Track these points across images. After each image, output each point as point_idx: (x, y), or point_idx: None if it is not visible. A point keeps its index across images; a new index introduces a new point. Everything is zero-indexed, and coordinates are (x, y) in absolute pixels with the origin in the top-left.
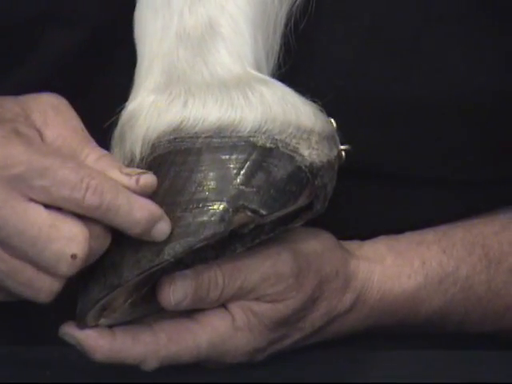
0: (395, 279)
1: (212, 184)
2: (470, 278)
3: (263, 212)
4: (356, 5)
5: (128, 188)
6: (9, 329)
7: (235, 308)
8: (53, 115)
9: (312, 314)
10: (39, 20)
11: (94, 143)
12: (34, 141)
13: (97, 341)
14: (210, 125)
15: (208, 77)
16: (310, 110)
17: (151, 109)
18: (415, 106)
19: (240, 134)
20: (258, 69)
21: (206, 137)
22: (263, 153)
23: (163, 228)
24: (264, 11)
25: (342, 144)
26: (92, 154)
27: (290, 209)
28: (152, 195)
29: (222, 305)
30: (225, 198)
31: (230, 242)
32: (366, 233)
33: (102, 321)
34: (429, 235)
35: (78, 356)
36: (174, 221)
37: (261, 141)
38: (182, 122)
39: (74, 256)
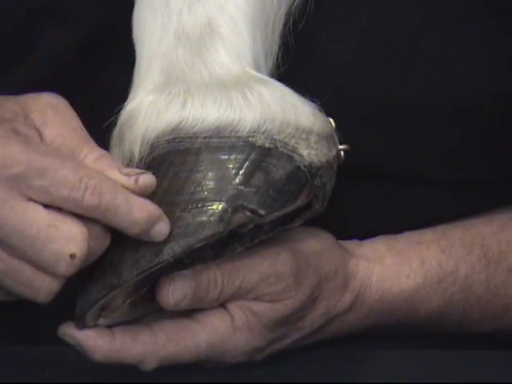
0: (394, 279)
1: (211, 184)
2: (468, 277)
3: (262, 212)
4: (355, 5)
5: (127, 188)
6: (9, 329)
7: (234, 308)
8: (52, 115)
9: (311, 314)
10: (38, 19)
11: (93, 143)
12: (33, 140)
13: (96, 341)
14: (209, 125)
15: (207, 77)
16: (309, 109)
17: (150, 109)
18: (414, 106)
19: (239, 134)
20: (257, 68)
21: (204, 137)
22: (262, 153)
23: (162, 228)
24: (263, 11)
25: (340, 144)
26: (91, 153)
27: (289, 209)
28: (151, 195)
29: (221, 305)
30: (224, 198)
31: (229, 242)
32: (365, 232)
33: (101, 321)
34: (428, 235)
35: (77, 356)
36: (173, 221)
37: (260, 141)
38: (180, 122)
39: (72, 256)
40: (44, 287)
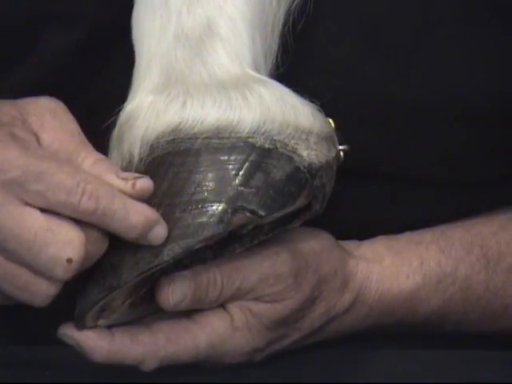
0: (394, 279)
1: (211, 185)
2: (468, 277)
3: (262, 213)
4: (354, 5)
5: (124, 192)
6: (9, 329)
7: (234, 308)
8: (50, 119)
9: (311, 314)
10: (37, 20)
11: (90, 147)
12: (30, 145)
13: (95, 341)
14: (209, 126)
15: (206, 77)
16: (309, 110)
17: (150, 110)
18: (414, 107)
19: (239, 135)
20: (257, 69)
21: (204, 138)
22: (262, 153)
23: (160, 232)
24: (262, 11)
25: (340, 144)
26: (89, 158)
27: (289, 209)
28: (151, 196)
29: (221, 305)
30: (224, 199)
31: (229, 243)
32: (365, 233)
33: (101, 321)
34: (427, 235)
35: (77, 356)
36: (173, 222)
37: (259, 141)
38: (180, 123)
39: (69, 260)
40: (41, 291)
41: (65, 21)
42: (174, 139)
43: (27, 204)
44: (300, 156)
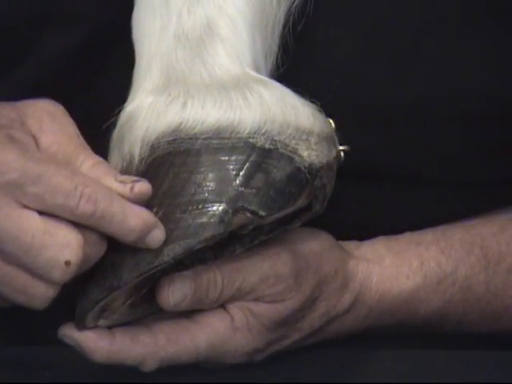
0: (394, 280)
1: (211, 185)
2: (468, 278)
3: (262, 213)
4: (355, 6)
5: (122, 196)
6: (9, 329)
7: (234, 309)
8: (49, 122)
9: (311, 315)
10: (37, 21)
11: (89, 150)
12: (28, 147)
13: (96, 342)
14: (209, 126)
15: (207, 78)
16: (309, 110)
17: (150, 110)
18: (414, 107)
19: (239, 135)
20: (257, 69)
21: (205, 138)
22: (262, 154)
23: (157, 236)
24: (262, 12)
25: (340, 145)
26: (87, 160)
27: (290, 210)
28: (151, 197)
29: (221, 305)
30: (224, 200)
31: (229, 243)
32: (365, 233)
33: (101, 322)
34: (427, 236)
35: (77, 356)
36: (174, 222)
37: (260, 142)
38: (181, 124)
39: (67, 263)
40: (39, 294)
41: (65, 21)
42: (174, 139)
43: (25, 206)
44: (300, 156)
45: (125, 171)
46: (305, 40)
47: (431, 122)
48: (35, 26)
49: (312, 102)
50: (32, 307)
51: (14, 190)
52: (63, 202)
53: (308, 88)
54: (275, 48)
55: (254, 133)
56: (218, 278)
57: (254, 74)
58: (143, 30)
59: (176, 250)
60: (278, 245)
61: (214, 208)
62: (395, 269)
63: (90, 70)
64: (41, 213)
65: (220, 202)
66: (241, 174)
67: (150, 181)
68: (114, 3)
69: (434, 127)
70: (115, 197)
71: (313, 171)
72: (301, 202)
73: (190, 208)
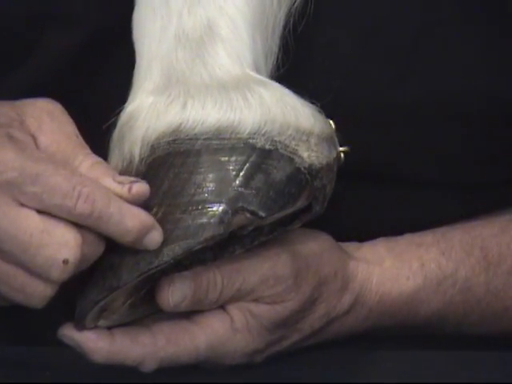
0: (394, 281)
1: (211, 186)
2: (468, 279)
3: (262, 214)
4: (355, 6)
5: (120, 196)
6: (9, 329)
7: (234, 309)
8: (48, 121)
9: (311, 316)
10: (37, 21)
11: (88, 150)
12: (27, 146)
13: (95, 342)
14: (209, 126)
15: (207, 78)
16: (309, 111)
17: (150, 110)
18: (414, 108)
19: (239, 136)
20: (257, 70)
21: (205, 138)
22: (262, 154)
23: (155, 237)
24: (263, 12)
25: (341, 146)
26: (86, 160)
27: (289, 210)
28: (151, 197)
29: (221, 306)
30: (224, 200)
31: (229, 244)
32: (365, 234)
33: (101, 322)
34: (428, 237)
35: (77, 356)
36: (174, 222)
37: (260, 142)
38: (181, 124)
39: (65, 261)
40: (37, 293)
41: (65, 22)
42: (174, 140)
43: (23, 205)
44: (300, 157)
45: (125, 171)
46: (305, 41)
47: (431, 122)
48: (35, 27)
49: (312, 102)
50: (30, 306)
51: (12, 189)
52: (61, 202)
53: (308, 89)
54: (275, 49)
55: (254, 133)
56: (217, 279)
57: (254, 74)
58: (143, 31)
59: (176, 250)
60: (277, 246)
61: (214, 208)
62: (395, 270)
63: (90, 70)
64: (39, 212)
65: (220, 202)
66: (241, 174)
67: (150, 181)
68: (114, 4)
69: (433, 128)
70: (113, 197)
71: (313, 172)
72: (301, 203)
73: (190, 208)
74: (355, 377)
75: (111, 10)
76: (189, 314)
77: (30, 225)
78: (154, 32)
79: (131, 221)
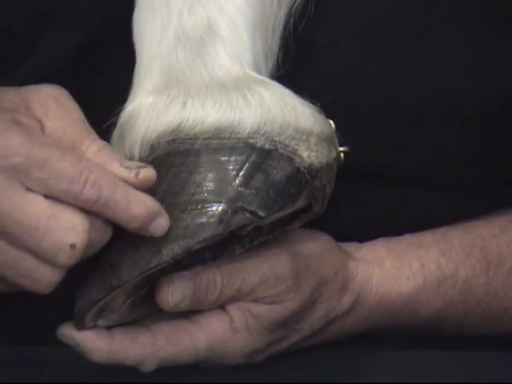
0: (394, 281)
1: (211, 185)
2: (468, 280)
3: (262, 214)
4: (355, 7)
5: (127, 181)
6: (9, 329)
7: (233, 309)
8: (54, 107)
9: (310, 316)
10: (37, 21)
11: (94, 135)
12: (33, 131)
13: (95, 342)
14: (209, 126)
15: (207, 78)
16: (309, 111)
17: (150, 110)
18: (414, 108)
19: (239, 136)
20: (257, 70)
21: (204, 138)
22: (262, 154)
23: (161, 224)
24: (263, 13)
25: (340, 146)
26: (92, 145)
27: (289, 210)
28: (151, 196)
29: (221, 306)
30: (223, 200)
31: (229, 244)
32: (365, 235)
33: (101, 322)
34: (427, 237)
35: (77, 356)
36: (173, 222)
37: (260, 142)
38: (180, 123)
39: (73, 246)
40: (44, 278)
41: (66, 21)
42: (174, 139)
43: (30, 190)
44: (300, 157)
45: None
46: (305, 41)
47: (431, 123)
48: (35, 26)
49: (312, 102)
50: (37, 292)
51: (18, 174)
52: (67, 187)
53: (308, 89)
54: (276, 49)
55: (254, 133)
56: (217, 279)
57: (254, 74)
58: (144, 31)
59: (175, 249)
60: (277, 246)
61: (214, 208)
62: (395, 271)
63: (90, 70)
64: (46, 197)
65: (219, 202)
66: (240, 174)
67: None
68: (115, 3)
69: (434, 128)
70: (119, 183)
71: (312, 172)
72: (300, 203)
73: (190, 208)
74: (355, 377)
75: (111, 9)
76: (188, 313)
77: (36, 210)
78: (154, 32)
79: (137, 207)
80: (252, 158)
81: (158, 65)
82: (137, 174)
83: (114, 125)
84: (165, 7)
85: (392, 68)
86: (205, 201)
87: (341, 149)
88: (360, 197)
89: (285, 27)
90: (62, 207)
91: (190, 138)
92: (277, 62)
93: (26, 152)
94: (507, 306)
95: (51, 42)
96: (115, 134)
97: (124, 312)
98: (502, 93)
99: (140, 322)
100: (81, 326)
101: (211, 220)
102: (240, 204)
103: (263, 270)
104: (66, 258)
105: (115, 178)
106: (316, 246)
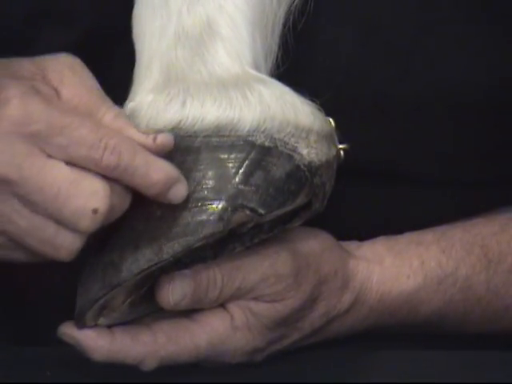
0: (394, 280)
1: (211, 183)
2: (469, 278)
3: (262, 211)
4: (355, 4)
5: (145, 146)
6: (9, 329)
7: (234, 308)
8: (69, 75)
9: (311, 314)
10: (36, 18)
11: (110, 102)
12: (52, 99)
13: (96, 341)
14: (209, 124)
15: (206, 76)
16: (309, 109)
17: (150, 108)
18: (414, 106)
19: (239, 133)
20: (257, 68)
21: (204, 136)
22: (262, 152)
23: (180, 190)
24: (262, 11)
25: (340, 143)
26: (109, 112)
27: (289, 208)
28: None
29: (221, 305)
30: (223, 197)
31: (229, 242)
32: (365, 232)
33: (101, 320)
34: (428, 235)
35: (78, 356)
36: (173, 220)
37: (259, 140)
38: (180, 121)
39: (95, 211)
40: (66, 244)
41: (64, 20)
42: (174, 137)
43: (51, 157)
44: (300, 154)
45: None
46: (305, 39)
47: (431, 120)
48: (34, 24)
49: (312, 100)
50: (58, 259)
51: (39, 141)
52: (87, 153)
53: (308, 87)
54: (275, 47)
55: (254, 131)
56: (217, 277)
57: (253, 72)
58: (143, 29)
59: (175, 247)
60: (277, 244)
61: (214, 206)
62: (395, 269)
63: (90, 69)
64: (67, 163)
65: (219, 199)
66: (240, 171)
67: None
68: (114, 2)
69: (433, 126)
70: (139, 149)
71: (312, 169)
72: (300, 200)
73: (190, 206)
74: (356, 376)
75: (110, 7)
76: (189, 312)
77: (58, 176)
78: (154, 30)
79: (157, 173)
80: (252, 156)
81: (157, 63)
82: (154, 139)
83: None
84: (164, 6)
85: (392, 66)
86: (205, 198)
87: (340, 146)
88: (360, 194)
89: (284, 25)
90: (83, 173)
91: (190, 136)
92: (276, 60)
93: (45, 119)
94: (507, 303)
95: (50, 40)
96: None
97: (124, 311)
98: (502, 90)
99: (141, 321)
100: (81, 324)
101: (211, 217)
102: (240, 201)
103: (263, 268)
104: (88, 223)
105: (134, 144)
106: (316, 244)
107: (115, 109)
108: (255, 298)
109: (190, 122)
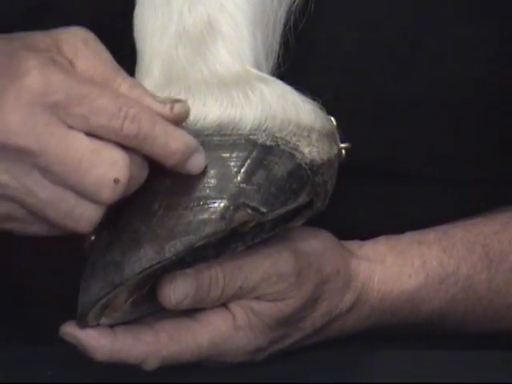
0: (396, 279)
1: (212, 182)
2: (470, 277)
3: (264, 210)
4: (355, 2)
5: (163, 115)
6: (9, 329)
7: (236, 307)
8: (83, 47)
9: (313, 314)
10: (36, 16)
11: (124, 73)
12: (70, 69)
13: (98, 340)
14: (211, 123)
15: (208, 75)
16: (310, 107)
17: None
18: (415, 105)
19: (240, 132)
20: (258, 67)
21: (206, 135)
22: (263, 151)
23: (198, 160)
24: (263, 10)
25: (342, 142)
26: (124, 82)
27: (291, 206)
28: (152, 193)
29: (223, 304)
30: (225, 196)
31: (231, 241)
32: (366, 231)
33: (103, 320)
34: (429, 235)
35: (79, 355)
36: (175, 218)
37: (261, 139)
38: None
39: (116, 180)
40: (86, 215)
41: (64, 18)
42: None
43: (71, 127)
44: (301, 153)
45: None
46: (306, 38)
47: (432, 119)
48: (34, 20)
49: (313, 99)
50: (77, 230)
51: (58, 111)
52: (107, 123)
53: (309, 86)
54: (276, 46)
55: (255, 129)
56: (219, 276)
57: (254, 71)
58: (145, 28)
59: (177, 246)
60: (279, 243)
61: (216, 204)
62: (397, 268)
63: None
64: (87, 134)
65: (221, 198)
66: (242, 170)
67: (152, 178)
68: (115, 1)
69: (434, 124)
70: (158, 119)
71: (314, 168)
72: (302, 199)
73: (192, 204)
74: (357, 376)
75: (112, 6)
76: (191, 311)
77: (79, 146)
78: (155, 29)
79: (175, 143)
80: (253, 155)
81: (158, 62)
82: (172, 108)
83: None
84: (165, 5)
85: (392, 64)
86: (207, 197)
87: (342, 145)
88: (361, 193)
89: (285, 24)
90: (103, 143)
91: (192, 135)
92: (277, 59)
93: (65, 89)
94: (509, 302)
95: None
96: None
97: (126, 310)
98: (503, 88)
99: (142, 321)
100: (83, 324)
101: (213, 216)
102: (242, 200)
103: (265, 267)
104: (109, 194)
105: (153, 113)
106: (318, 244)
107: (130, 79)
108: (257, 298)
109: (191, 122)
